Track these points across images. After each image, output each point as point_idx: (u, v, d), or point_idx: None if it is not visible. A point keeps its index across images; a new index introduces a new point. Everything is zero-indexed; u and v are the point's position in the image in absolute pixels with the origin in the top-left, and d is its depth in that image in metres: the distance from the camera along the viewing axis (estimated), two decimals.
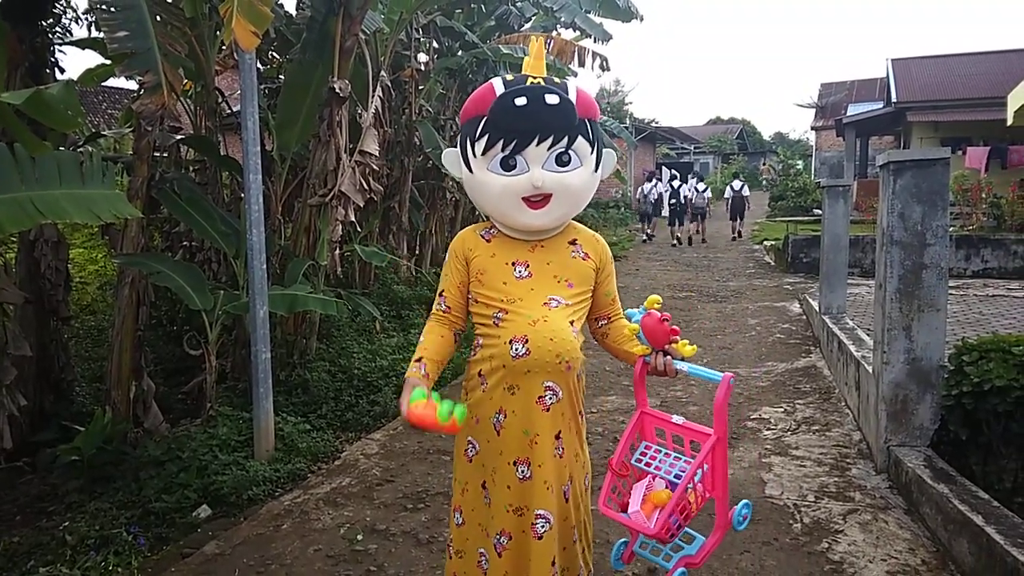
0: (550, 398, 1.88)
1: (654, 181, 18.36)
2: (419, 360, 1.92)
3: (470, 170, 1.90)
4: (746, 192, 17.57)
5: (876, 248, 4.02)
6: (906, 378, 3.71)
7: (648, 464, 1.91)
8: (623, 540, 2.04)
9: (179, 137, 5.39)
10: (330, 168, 5.11)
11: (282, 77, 6.60)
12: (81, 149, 4.76)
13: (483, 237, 1.97)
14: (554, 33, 9.58)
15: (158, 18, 3.94)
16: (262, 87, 6.10)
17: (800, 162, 32.97)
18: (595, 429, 4.52)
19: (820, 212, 8.39)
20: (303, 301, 4.50)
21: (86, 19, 5.57)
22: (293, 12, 6.22)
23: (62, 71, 4.44)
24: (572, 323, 1.90)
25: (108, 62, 5.02)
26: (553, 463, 1.89)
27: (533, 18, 9.41)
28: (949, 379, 3.61)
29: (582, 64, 9.34)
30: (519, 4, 8.58)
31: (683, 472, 1.81)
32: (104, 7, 3.61)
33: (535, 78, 1.85)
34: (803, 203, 19.83)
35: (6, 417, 3.65)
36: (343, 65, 5.15)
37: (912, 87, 17.81)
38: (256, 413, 3.98)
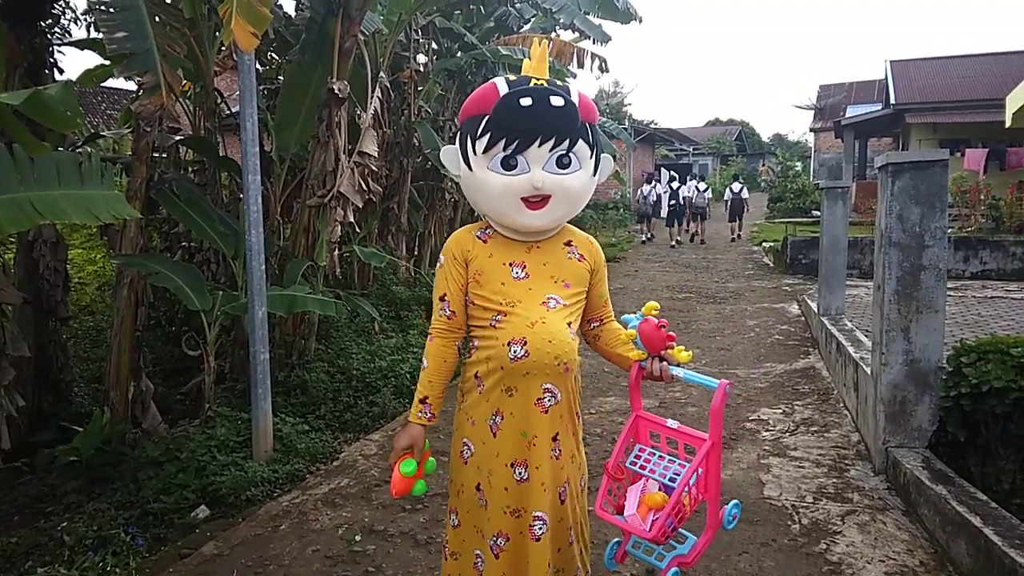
0: (549, 400, 1.88)
1: (653, 183, 18.48)
2: (424, 401, 1.91)
3: (469, 168, 1.89)
4: (745, 194, 17.62)
5: (875, 249, 4.02)
6: (904, 379, 3.71)
7: (643, 467, 1.92)
8: (616, 540, 2.05)
9: (178, 138, 5.39)
10: (329, 169, 5.12)
11: (281, 78, 6.60)
12: (80, 150, 4.76)
13: (479, 238, 1.96)
14: (553, 34, 9.58)
15: (157, 19, 3.94)
16: (261, 88, 6.10)
17: (799, 164, 33.00)
18: (594, 430, 4.52)
19: (819, 213, 8.40)
20: (302, 302, 4.50)
21: (85, 20, 5.59)
22: (292, 13, 6.23)
23: (61, 72, 4.46)
24: (569, 324, 1.91)
25: (107, 63, 5.03)
26: (550, 465, 1.90)
27: (532, 19, 9.43)
28: (947, 380, 3.62)
29: (581, 65, 9.34)
30: (518, 5, 8.58)
31: (677, 475, 1.82)
32: (103, 8, 3.61)
33: (538, 80, 1.85)
34: (802, 204, 19.91)
35: (4, 418, 3.66)
36: (342, 66, 5.15)
37: (911, 89, 17.83)
38: (255, 414, 3.99)
